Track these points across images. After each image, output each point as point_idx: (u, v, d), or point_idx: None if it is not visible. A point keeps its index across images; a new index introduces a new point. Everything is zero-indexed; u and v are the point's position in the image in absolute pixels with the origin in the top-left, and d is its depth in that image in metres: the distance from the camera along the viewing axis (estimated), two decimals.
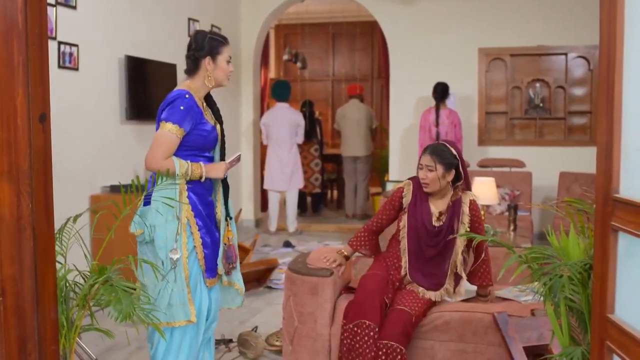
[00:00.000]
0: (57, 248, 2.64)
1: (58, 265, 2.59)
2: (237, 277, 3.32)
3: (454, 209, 3.46)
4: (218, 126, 3.22)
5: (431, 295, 3.45)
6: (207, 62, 3.10)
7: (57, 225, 2.45)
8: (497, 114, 8.31)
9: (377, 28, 9.01)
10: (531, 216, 6.81)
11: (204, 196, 3.14)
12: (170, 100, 3.04)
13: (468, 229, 3.43)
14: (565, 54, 8.05)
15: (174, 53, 6.89)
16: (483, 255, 3.50)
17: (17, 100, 2.07)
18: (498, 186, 5.95)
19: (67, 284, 2.74)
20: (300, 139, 8.49)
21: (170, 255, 3.01)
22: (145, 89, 6.23)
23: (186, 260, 3.05)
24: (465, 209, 3.47)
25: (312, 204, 10.20)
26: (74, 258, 2.89)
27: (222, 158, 3.27)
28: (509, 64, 8.18)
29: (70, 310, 2.74)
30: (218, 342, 4.24)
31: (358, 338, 3.24)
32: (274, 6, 8.82)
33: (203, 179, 3.08)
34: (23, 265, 2.12)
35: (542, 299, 2.46)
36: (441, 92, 7.44)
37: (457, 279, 3.53)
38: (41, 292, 2.17)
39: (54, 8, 4.94)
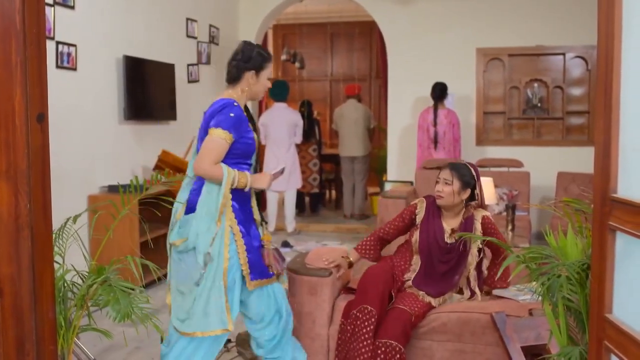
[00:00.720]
0: (55, 248, 2.64)
1: (56, 265, 2.59)
2: (284, 278, 3.40)
3: (466, 226, 3.49)
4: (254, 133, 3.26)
5: (431, 300, 3.47)
6: (250, 75, 3.16)
7: (55, 225, 2.45)
8: (495, 114, 8.31)
9: (376, 28, 9.01)
10: (529, 216, 6.82)
11: (245, 203, 3.16)
12: (220, 107, 3.06)
13: (480, 246, 3.49)
14: (563, 54, 8.05)
15: (172, 53, 6.90)
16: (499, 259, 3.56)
17: (15, 100, 2.07)
18: (496, 186, 5.95)
19: (65, 284, 2.74)
20: (298, 139, 8.49)
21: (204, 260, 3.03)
22: (144, 89, 6.23)
23: (227, 268, 3.04)
24: (478, 225, 3.50)
25: (310, 204, 10.20)
26: (72, 258, 2.89)
27: (257, 164, 3.30)
28: (507, 64, 8.18)
29: (69, 310, 2.74)
30: None
31: (359, 322, 3.25)
32: (272, 6, 8.82)
33: (247, 189, 3.10)
34: (21, 265, 2.12)
35: (540, 298, 2.47)
36: (439, 92, 7.44)
37: (472, 293, 3.56)
38: (39, 292, 2.17)
39: (52, 8, 4.93)
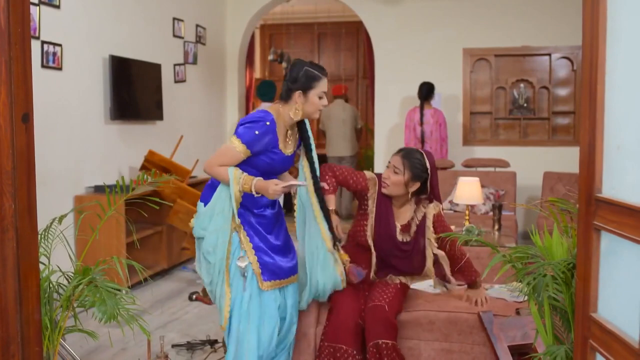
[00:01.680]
0: (40, 249, 2.63)
1: (42, 266, 2.57)
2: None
3: (418, 225, 3.36)
4: (302, 153, 3.22)
5: (400, 278, 3.38)
6: (297, 95, 3.05)
7: (41, 225, 2.44)
8: (482, 114, 8.35)
9: (362, 28, 9.02)
10: (515, 216, 6.85)
11: (249, 206, 3.12)
12: (252, 120, 3.03)
13: (435, 245, 3.35)
14: (549, 55, 8.10)
15: (159, 53, 6.87)
16: (463, 257, 3.42)
17: None
18: (482, 186, 5.98)
19: (51, 285, 2.73)
20: None
21: (238, 264, 3.06)
22: (130, 88, 6.20)
23: (228, 266, 3.08)
24: (429, 223, 3.36)
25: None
26: (58, 259, 2.88)
27: (316, 185, 3.22)
28: (493, 64, 8.22)
29: (54, 311, 2.73)
30: (203, 343, 4.23)
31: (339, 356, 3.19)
32: (259, 6, 8.81)
33: (256, 195, 3.04)
34: (6, 266, 2.11)
35: (526, 298, 2.48)
36: (426, 91, 7.47)
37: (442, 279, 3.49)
38: (24, 293, 2.16)
39: (37, 7, 4.90)
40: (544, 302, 2.37)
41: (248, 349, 3.11)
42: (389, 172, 3.28)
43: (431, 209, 3.37)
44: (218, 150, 3.08)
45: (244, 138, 2.98)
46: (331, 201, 3.34)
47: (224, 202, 3.06)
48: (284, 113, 3.10)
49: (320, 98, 3.08)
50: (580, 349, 1.99)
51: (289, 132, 3.15)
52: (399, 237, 3.34)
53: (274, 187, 2.99)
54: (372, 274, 3.42)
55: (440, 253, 3.36)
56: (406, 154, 3.28)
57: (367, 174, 3.41)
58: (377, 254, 3.37)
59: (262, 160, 3.07)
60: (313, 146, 3.22)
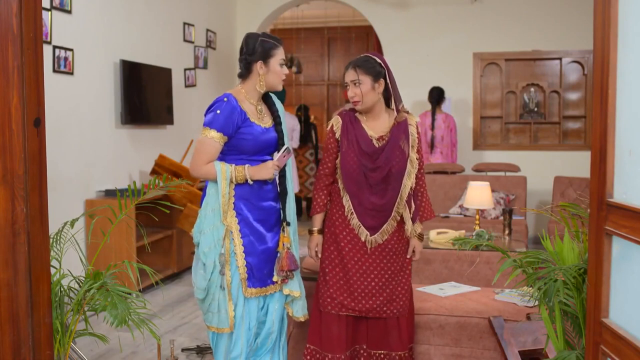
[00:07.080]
0: (52, 253, 2.64)
1: (53, 270, 2.59)
2: (294, 286, 3.17)
3: (400, 128, 3.13)
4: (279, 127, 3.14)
5: (367, 236, 3.13)
6: (258, 66, 3.03)
7: (52, 229, 2.45)
8: (492, 118, 8.32)
9: (372, 33, 9.02)
10: (526, 220, 6.82)
11: (254, 201, 3.05)
12: (211, 105, 3.01)
13: (417, 155, 3.17)
14: (560, 59, 8.08)
15: (169, 57, 6.89)
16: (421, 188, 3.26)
17: (11, 105, 2.07)
18: (493, 190, 5.96)
19: (62, 289, 2.74)
20: (295, 143, 8.49)
21: (219, 261, 3.00)
22: (140, 93, 6.22)
23: (228, 267, 3.00)
24: (413, 130, 3.16)
25: (307, 209, 10.20)
26: (69, 263, 2.89)
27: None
28: (503, 69, 8.20)
29: (65, 315, 2.74)
30: (190, 349, 4.23)
31: None
32: (269, 11, 8.83)
33: (251, 182, 3.00)
34: (17, 270, 2.12)
35: (537, 303, 2.47)
36: (437, 96, 7.48)
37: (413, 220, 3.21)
38: (36, 297, 2.17)
39: (49, 12, 4.93)
40: (555, 307, 2.36)
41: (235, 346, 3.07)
42: (352, 90, 3.11)
43: (412, 117, 3.21)
44: (195, 150, 3.02)
45: (211, 124, 2.95)
46: (316, 221, 3.31)
47: (216, 199, 3.00)
48: (247, 89, 3.08)
49: (281, 65, 3.06)
50: (591, 354, 1.98)
51: (259, 107, 3.11)
52: (376, 143, 3.12)
53: (271, 163, 3.00)
54: (346, 211, 3.16)
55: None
56: (355, 63, 3.15)
57: (329, 125, 3.26)
58: (350, 185, 3.12)
59: (243, 140, 3.00)
60: (282, 119, 3.17)
